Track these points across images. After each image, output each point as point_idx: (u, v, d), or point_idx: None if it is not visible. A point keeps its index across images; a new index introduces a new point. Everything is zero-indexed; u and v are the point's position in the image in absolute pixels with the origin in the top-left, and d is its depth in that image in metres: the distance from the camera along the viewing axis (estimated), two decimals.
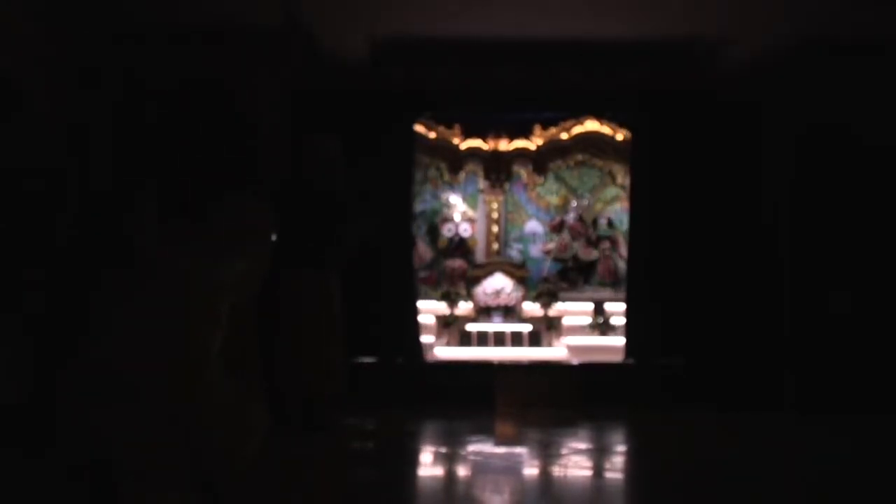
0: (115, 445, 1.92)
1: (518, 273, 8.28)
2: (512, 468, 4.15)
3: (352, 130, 6.49)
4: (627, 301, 7.48)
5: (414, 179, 7.73)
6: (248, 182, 2.05)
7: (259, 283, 2.20)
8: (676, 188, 7.27)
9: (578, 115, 8.32)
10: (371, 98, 7.22)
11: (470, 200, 8.75)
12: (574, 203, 8.76)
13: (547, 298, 8.09)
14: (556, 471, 4.13)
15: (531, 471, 4.17)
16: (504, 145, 8.53)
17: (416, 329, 7.33)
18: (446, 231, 8.60)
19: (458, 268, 8.46)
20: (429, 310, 8.08)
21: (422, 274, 8.52)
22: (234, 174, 2.02)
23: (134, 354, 1.93)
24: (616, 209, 8.83)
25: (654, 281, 7.22)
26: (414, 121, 7.62)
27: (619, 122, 8.14)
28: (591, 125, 8.38)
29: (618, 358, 7.50)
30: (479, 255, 8.63)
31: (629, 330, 7.38)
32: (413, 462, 4.52)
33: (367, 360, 6.94)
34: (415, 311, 7.38)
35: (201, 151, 1.99)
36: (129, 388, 1.91)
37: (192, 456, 1.94)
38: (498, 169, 8.57)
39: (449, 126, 8.43)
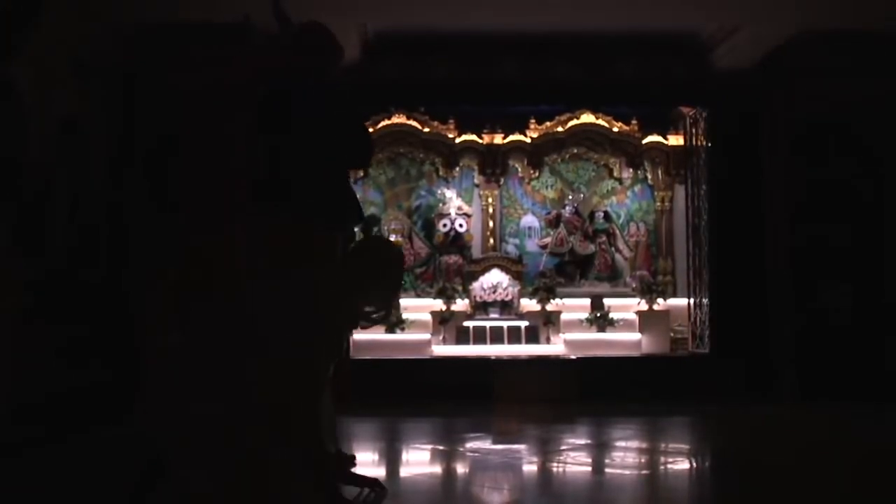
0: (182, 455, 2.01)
1: (515, 268, 8.22)
2: (509, 464, 4.11)
3: None
4: (710, 299, 7.49)
5: None
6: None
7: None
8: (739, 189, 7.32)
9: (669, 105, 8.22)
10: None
11: (465, 195, 8.68)
12: (570, 196, 8.71)
13: (544, 294, 8.02)
14: (555, 467, 4.09)
15: (529, 467, 4.13)
16: (499, 139, 8.46)
17: None
18: (442, 226, 8.53)
19: (454, 263, 8.40)
20: (425, 306, 8.02)
21: (418, 270, 8.47)
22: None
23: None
24: (613, 202, 8.79)
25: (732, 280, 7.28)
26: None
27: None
28: (587, 118, 8.32)
29: (617, 352, 7.48)
30: (476, 251, 8.55)
31: (714, 328, 7.38)
32: (410, 459, 4.48)
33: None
34: None
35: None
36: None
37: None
38: (493, 163, 8.51)
39: (444, 121, 8.36)
